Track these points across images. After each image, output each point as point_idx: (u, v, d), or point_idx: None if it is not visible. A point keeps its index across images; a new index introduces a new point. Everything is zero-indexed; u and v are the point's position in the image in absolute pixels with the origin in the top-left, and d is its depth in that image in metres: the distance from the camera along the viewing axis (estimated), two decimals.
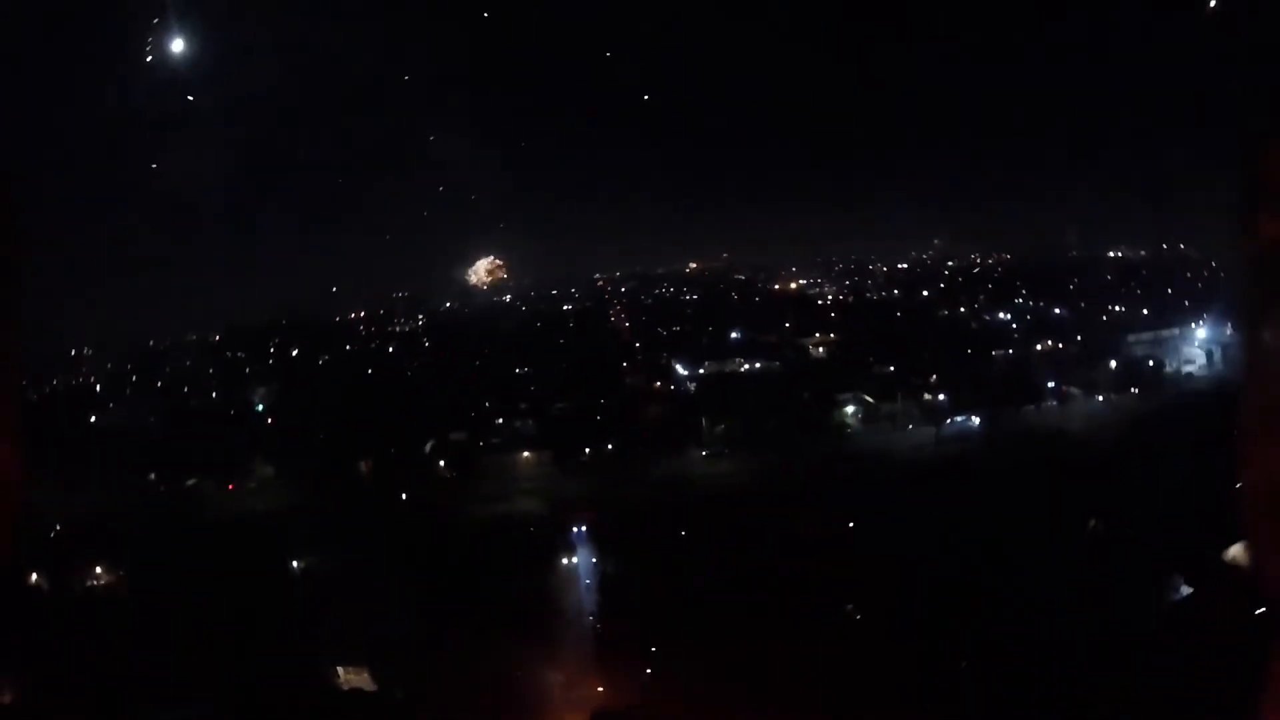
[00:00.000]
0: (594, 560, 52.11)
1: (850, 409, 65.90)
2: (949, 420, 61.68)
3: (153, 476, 56.82)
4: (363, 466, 62.16)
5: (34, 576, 42.89)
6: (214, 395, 72.94)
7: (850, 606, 40.27)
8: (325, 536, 50.64)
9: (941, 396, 64.61)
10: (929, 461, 57.21)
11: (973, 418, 61.49)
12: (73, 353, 78.73)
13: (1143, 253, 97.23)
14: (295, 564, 48.72)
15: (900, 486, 53.43)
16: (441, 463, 64.31)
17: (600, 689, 38.67)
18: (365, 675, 39.84)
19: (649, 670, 40.22)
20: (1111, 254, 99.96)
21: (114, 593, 43.76)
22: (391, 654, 38.83)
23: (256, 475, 59.60)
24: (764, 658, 36.05)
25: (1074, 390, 62.62)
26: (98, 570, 44.80)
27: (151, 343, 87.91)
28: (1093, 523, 43.73)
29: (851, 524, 48.78)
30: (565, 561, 52.09)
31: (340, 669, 39.91)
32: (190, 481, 57.67)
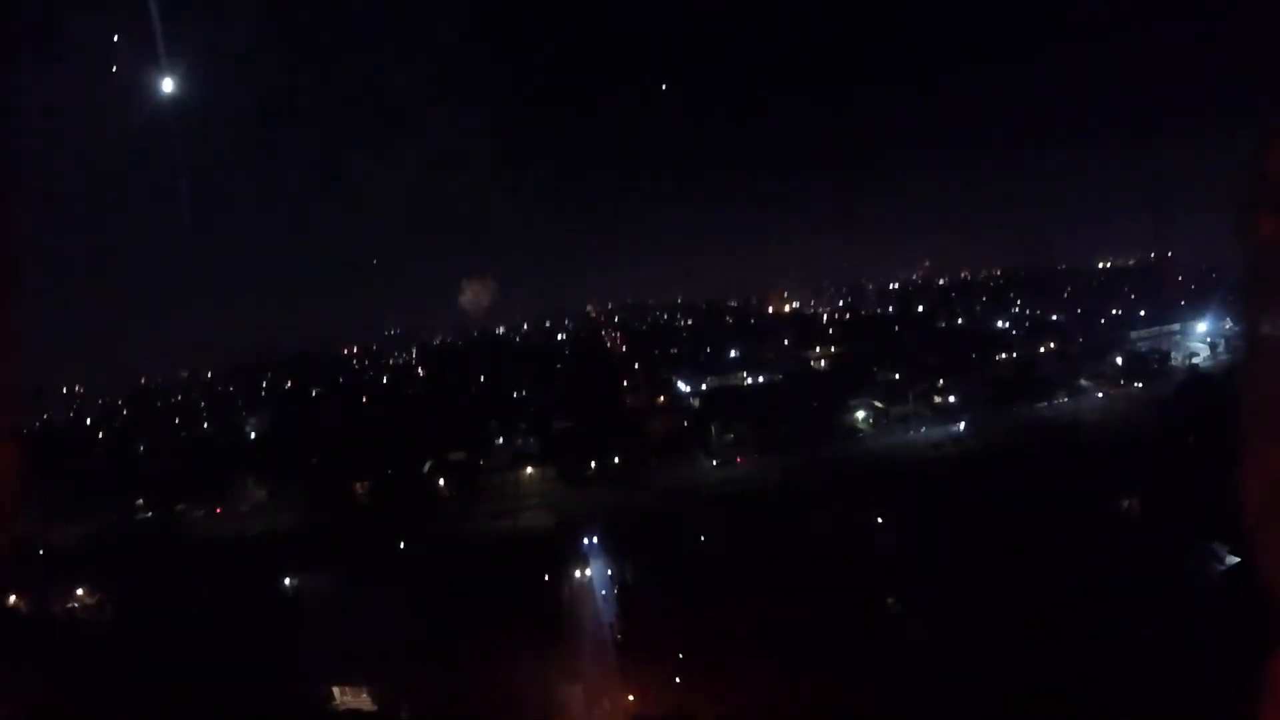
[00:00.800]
0: (609, 571, 49.57)
1: (861, 414, 64.79)
2: (961, 418, 60.68)
3: (140, 502, 54.09)
4: (359, 488, 59.54)
5: (13, 599, 39.73)
6: (205, 426, 71.00)
7: (891, 600, 37.88)
8: (319, 556, 47.92)
9: (952, 398, 63.84)
10: (948, 457, 55.80)
11: (985, 415, 60.46)
12: (64, 390, 78.52)
13: (1131, 263, 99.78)
14: (287, 584, 45.67)
15: (922, 481, 51.89)
16: (441, 481, 61.81)
17: (631, 698, 35.81)
18: (364, 695, 36.82)
19: (679, 679, 37.52)
20: (1101, 265, 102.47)
21: (95, 614, 40.55)
22: (395, 673, 36.00)
23: (248, 499, 56.77)
24: (801, 659, 33.68)
25: (1085, 381, 62.12)
26: (79, 592, 41.65)
27: (143, 380, 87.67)
28: (1126, 502, 42.34)
29: (880, 519, 47.02)
30: (579, 574, 49.47)
31: (336, 689, 36.85)
32: (179, 507, 54.81)
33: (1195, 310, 67.50)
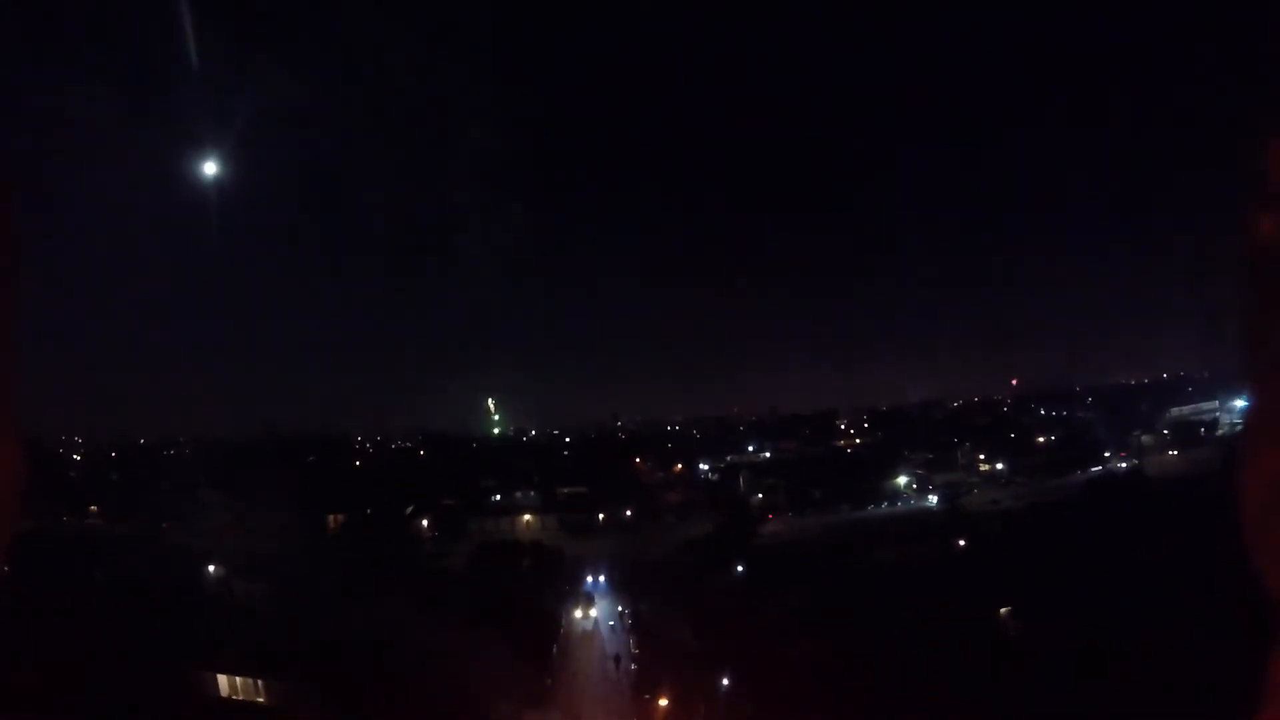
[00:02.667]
0: (619, 607, 42.21)
1: (904, 479, 59.39)
2: (1013, 482, 55.65)
3: (94, 509, 49.38)
4: (331, 520, 52.28)
5: None
6: (188, 470, 65.49)
7: (1004, 611, 31.47)
8: (261, 567, 41.64)
9: (1000, 465, 59.18)
10: (1009, 511, 50.13)
11: (1037, 480, 55.46)
12: (62, 437, 75.57)
13: (1146, 380, 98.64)
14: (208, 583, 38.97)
15: (984, 526, 46.04)
16: (424, 522, 54.52)
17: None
18: (256, 685, 29.89)
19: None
20: (1116, 382, 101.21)
21: None
22: (308, 673, 29.29)
23: (206, 519, 49.53)
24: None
25: (1137, 442, 58.23)
26: None
27: (142, 440, 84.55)
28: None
29: (950, 552, 41.03)
30: (580, 612, 41.76)
31: (223, 677, 30.05)
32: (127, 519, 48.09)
33: (1230, 390, 65.18)
